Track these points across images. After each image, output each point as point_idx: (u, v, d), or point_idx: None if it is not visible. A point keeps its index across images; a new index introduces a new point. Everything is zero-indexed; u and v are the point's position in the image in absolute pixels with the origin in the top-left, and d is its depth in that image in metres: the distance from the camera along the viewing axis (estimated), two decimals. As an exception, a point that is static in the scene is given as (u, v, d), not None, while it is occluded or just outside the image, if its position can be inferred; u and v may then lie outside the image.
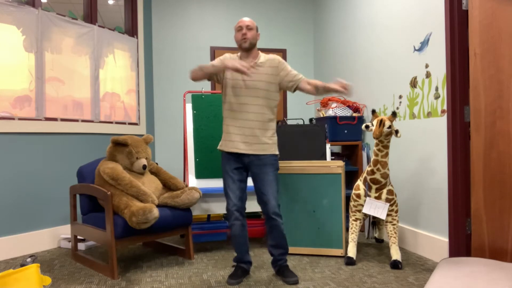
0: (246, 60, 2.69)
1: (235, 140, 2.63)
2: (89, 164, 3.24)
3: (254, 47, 2.69)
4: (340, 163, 3.22)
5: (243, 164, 2.67)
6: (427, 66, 3.15)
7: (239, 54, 2.76)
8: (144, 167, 3.08)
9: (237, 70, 2.39)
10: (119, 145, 3.06)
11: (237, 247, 2.73)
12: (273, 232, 2.68)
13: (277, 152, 2.70)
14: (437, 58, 3.04)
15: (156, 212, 2.71)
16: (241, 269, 2.74)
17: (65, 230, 3.72)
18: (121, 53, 4.38)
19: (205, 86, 5.18)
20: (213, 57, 5.22)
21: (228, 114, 2.68)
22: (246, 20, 2.67)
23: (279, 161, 3.27)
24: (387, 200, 2.99)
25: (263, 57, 2.71)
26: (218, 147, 2.74)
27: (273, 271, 2.86)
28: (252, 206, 3.35)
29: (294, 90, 2.72)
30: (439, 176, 3.06)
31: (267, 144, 2.65)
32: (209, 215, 3.92)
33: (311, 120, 4.27)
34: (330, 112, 4.08)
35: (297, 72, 2.71)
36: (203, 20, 5.22)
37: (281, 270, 2.71)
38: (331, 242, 3.21)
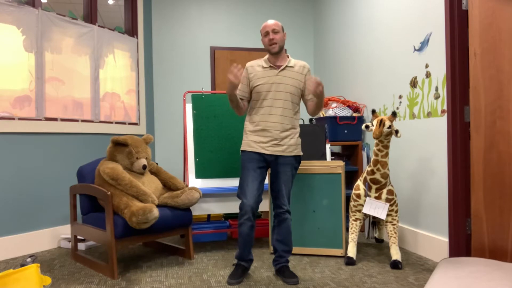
0: (275, 65, 2.71)
1: (260, 141, 2.67)
2: (89, 164, 3.24)
3: (282, 49, 2.72)
4: (340, 163, 3.22)
5: (266, 163, 2.71)
6: (427, 66, 3.15)
7: (267, 57, 2.77)
8: (144, 167, 3.08)
9: (231, 82, 2.48)
10: (119, 145, 3.06)
11: (241, 245, 2.74)
12: (281, 226, 2.71)
13: (301, 153, 2.77)
14: (437, 58, 3.04)
15: (156, 212, 2.71)
16: (242, 268, 2.74)
17: (65, 230, 3.72)
18: (121, 53, 4.38)
19: (205, 86, 5.18)
20: (213, 57, 5.22)
21: (254, 117, 2.70)
22: (271, 23, 2.68)
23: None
24: (387, 200, 2.99)
25: (292, 61, 2.74)
26: (242, 148, 2.75)
27: (273, 271, 2.86)
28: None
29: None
30: (439, 176, 3.05)
31: (292, 146, 2.71)
32: (209, 215, 3.92)
33: (311, 120, 4.27)
34: (330, 112, 4.08)
35: None
36: (203, 20, 5.22)
37: (282, 269, 2.71)
38: (331, 242, 3.21)
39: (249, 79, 2.73)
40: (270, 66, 2.70)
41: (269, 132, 2.65)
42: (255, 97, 2.71)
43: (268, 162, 2.71)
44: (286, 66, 2.70)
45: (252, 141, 2.69)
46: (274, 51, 2.67)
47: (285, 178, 2.69)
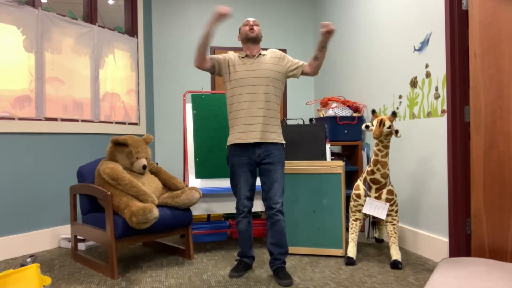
0: (251, 54, 2.78)
1: (249, 130, 2.68)
2: (89, 164, 3.24)
3: (259, 41, 2.80)
4: (340, 163, 3.22)
5: (254, 158, 2.71)
6: (427, 66, 3.15)
7: (242, 52, 2.83)
8: (144, 167, 3.08)
9: (219, 15, 2.51)
10: (119, 145, 3.06)
11: (241, 242, 2.83)
12: (274, 228, 2.70)
13: (284, 142, 2.81)
14: (437, 58, 3.04)
15: (156, 212, 2.71)
16: (244, 263, 2.83)
17: (65, 230, 3.72)
18: (121, 53, 4.38)
19: (205, 86, 5.18)
20: (213, 57, 5.22)
21: (236, 106, 2.73)
22: (253, 18, 2.82)
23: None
24: (387, 200, 2.99)
25: (264, 51, 2.84)
26: (228, 143, 2.78)
27: (273, 271, 2.87)
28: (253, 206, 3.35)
29: (300, 75, 2.84)
30: (439, 176, 3.05)
31: (279, 133, 2.76)
32: (209, 215, 3.92)
33: (311, 120, 4.27)
34: (330, 112, 4.08)
35: (298, 60, 2.84)
36: (203, 20, 5.22)
37: (277, 270, 2.71)
38: (331, 242, 3.21)
39: (228, 62, 2.77)
40: (246, 55, 2.78)
41: (254, 118, 2.67)
42: (235, 84, 2.73)
43: (257, 157, 2.71)
44: (260, 54, 2.78)
45: (241, 132, 2.69)
46: (252, 35, 2.74)
47: (275, 176, 2.69)
